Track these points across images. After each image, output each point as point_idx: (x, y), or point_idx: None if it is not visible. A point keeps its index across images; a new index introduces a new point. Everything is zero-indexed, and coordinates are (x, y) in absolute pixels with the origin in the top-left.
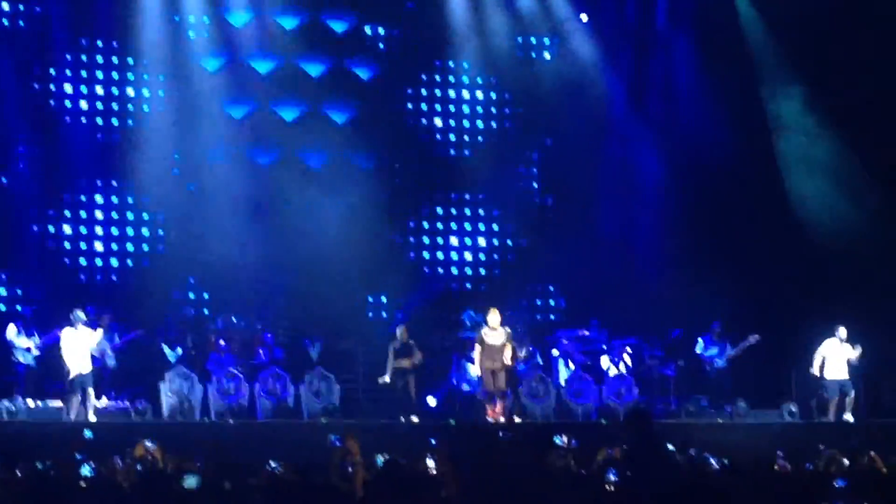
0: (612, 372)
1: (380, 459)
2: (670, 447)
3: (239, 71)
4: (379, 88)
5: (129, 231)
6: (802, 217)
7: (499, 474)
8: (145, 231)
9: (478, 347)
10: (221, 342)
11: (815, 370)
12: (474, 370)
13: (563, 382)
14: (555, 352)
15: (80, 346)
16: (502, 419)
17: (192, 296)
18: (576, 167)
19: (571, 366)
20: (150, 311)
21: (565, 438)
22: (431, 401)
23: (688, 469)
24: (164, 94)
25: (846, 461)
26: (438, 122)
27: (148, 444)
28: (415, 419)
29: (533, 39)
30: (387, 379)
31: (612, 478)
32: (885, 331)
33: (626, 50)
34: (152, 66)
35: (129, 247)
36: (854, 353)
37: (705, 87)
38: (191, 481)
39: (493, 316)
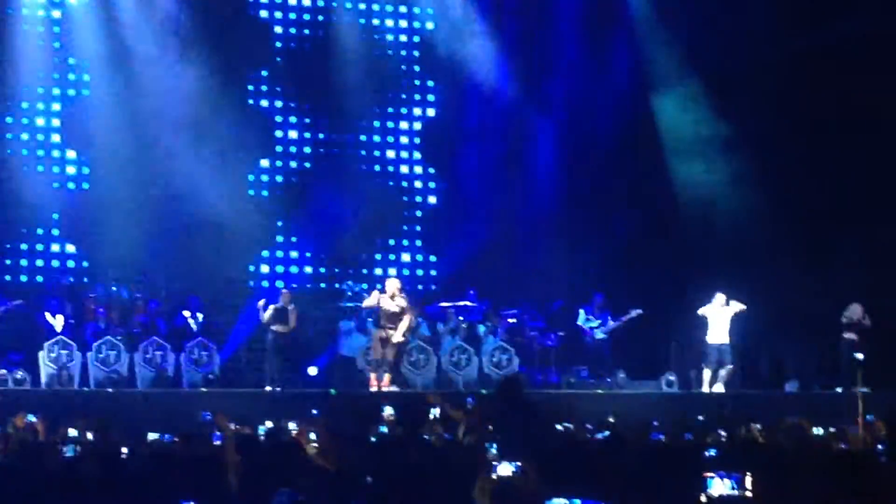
0: (488, 339)
1: (262, 429)
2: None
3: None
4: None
5: None
6: (680, 190)
7: (378, 445)
8: None
9: (373, 299)
10: (101, 311)
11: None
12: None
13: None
14: (440, 326)
15: None
16: (388, 388)
17: (71, 264)
18: (458, 137)
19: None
20: (29, 279)
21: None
22: (312, 370)
23: (564, 438)
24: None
25: (723, 432)
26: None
27: (29, 416)
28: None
29: (416, 9)
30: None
31: (494, 451)
32: (761, 302)
33: (511, 19)
34: None
35: None
36: (737, 308)
37: (589, 58)
38: (69, 451)
39: (392, 284)
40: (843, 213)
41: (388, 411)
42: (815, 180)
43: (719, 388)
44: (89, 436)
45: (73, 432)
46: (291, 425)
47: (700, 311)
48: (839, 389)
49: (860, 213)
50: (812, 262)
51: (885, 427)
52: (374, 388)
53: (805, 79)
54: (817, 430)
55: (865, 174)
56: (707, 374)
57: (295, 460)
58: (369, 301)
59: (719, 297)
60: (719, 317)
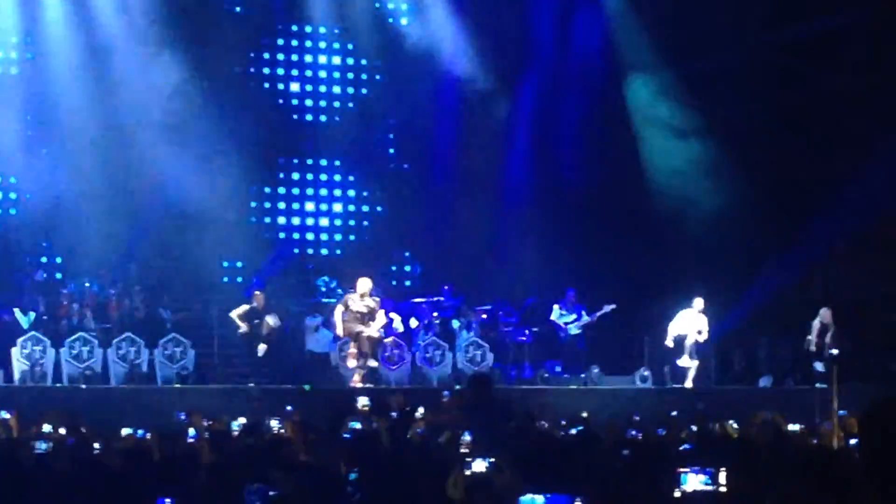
0: (463, 335)
1: (235, 424)
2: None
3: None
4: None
5: None
6: (657, 187)
7: (354, 441)
8: None
9: (339, 308)
10: (74, 306)
11: (669, 341)
12: (327, 335)
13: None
14: (414, 321)
15: None
16: (359, 385)
17: (43, 259)
18: (433, 134)
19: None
20: (1, 275)
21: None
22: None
23: (537, 434)
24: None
25: (697, 427)
26: (295, 86)
27: (2, 413)
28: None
29: (390, 5)
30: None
31: (468, 438)
32: (736, 299)
33: (486, 15)
34: None
35: None
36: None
37: (562, 53)
38: (41, 447)
39: (363, 283)
40: (816, 209)
41: (364, 401)
42: (789, 176)
43: (688, 383)
44: (62, 431)
45: (46, 428)
46: (274, 422)
47: (678, 315)
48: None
49: (834, 210)
50: (785, 258)
51: (858, 423)
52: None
53: (781, 73)
54: (791, 426)
55: (841, 170)
56: (691, 365)
57: (270, 456)
58: (338, 327)
59: (698, 302)
60: (693, 321)
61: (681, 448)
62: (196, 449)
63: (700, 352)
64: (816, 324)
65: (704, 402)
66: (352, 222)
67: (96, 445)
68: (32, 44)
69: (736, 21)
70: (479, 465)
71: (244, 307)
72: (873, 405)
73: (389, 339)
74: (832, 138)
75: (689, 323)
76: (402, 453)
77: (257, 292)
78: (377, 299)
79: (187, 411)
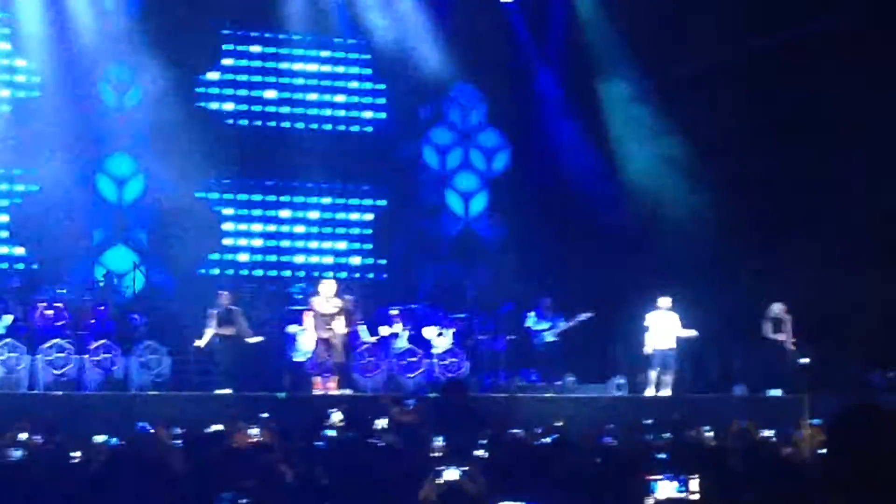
0: (438, 342)
1: (209, 432)
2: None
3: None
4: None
5: None
6: (633, 194)
7: (331, 448)
8: None
9: (308, 315)
10: (50, 313)
11: (648, 348)
12: (306, 343)
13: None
14: (386, 329)
15: None
16: (335, 392)
17: (20, 266)
18: (409, 138)
19: (404, 342)
20: None
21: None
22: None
23: (511, 442)
24: None
25: (671, 435)
26: (270, 94)
27: None
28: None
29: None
30: (201, 344)
31: (441, 442)
32: (710, 307)
33: (461, 18)
34: None
35: None
36: (686, 332)
37: (536, 58)
38: (16, 454)
39: (327, 285)
40: (790, 216)
41: (338, 416)
42: (766, 182)
43: (666, 392)
44: (37, 438)
45: (21, 436)
46: (254, 431)
47: (647, 317)
48: (779, 392)
49: (807, 217)
50: (759, 266)
51: (825, 433)
52: (319, 391)
53: (755, 82)
54: (765, 434)
55: (813, 177)
56: (653, 376)
57: (242, 464)
58: (310, 333)
59: (663, 301)
60: (663, 321)
61: (655, 456)
62: (168, 457)
63: (671, 356)
64: (768, 322)
65: (679, 411)
66: (327, 230)
67: (71, 453)
68: (11, 50)
69: (715, 26)
70: (452, 474)
71: (213, 317)
72: (840, 414)
73: (365, 345)
74: (812, 144)
75: (665, 323)
76: (375, 461)
77: (223, 292)
78: (348, 298)
79: (151, 423)
